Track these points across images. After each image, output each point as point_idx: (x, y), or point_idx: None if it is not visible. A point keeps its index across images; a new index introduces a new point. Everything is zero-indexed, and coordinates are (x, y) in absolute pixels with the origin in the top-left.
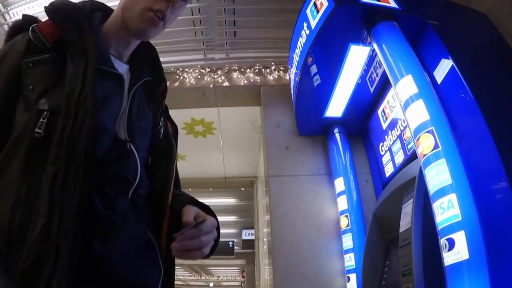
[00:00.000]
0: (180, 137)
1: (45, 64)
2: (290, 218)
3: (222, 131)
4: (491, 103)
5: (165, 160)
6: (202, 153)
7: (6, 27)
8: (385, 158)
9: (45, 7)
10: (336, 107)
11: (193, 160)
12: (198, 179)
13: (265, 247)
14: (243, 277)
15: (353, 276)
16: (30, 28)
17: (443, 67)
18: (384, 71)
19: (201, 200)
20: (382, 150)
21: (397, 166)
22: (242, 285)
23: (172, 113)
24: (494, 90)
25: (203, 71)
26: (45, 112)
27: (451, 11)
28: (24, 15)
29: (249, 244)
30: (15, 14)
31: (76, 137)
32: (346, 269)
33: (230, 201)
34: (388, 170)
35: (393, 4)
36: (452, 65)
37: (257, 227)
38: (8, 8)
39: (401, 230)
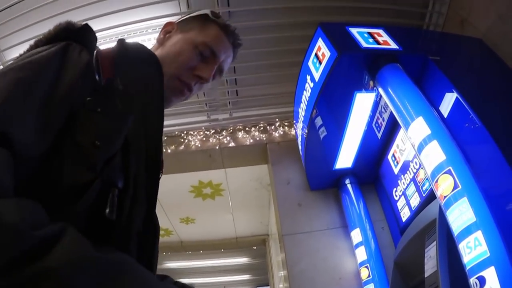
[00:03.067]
0: (189, 200)
1: (117, 120)
2: (309, 276)
3: (230, 191)
4: (500, 126)
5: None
6: (211, 215)
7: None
8: (400, 203)
9: (120, 41)
10: (345, 158)
11: (203, 223)
12: (209, 241)
13: None
14: None
15: None
16: (95, 51)
17: (448, 101)
18: (390, 115)
19: (213, 260)
20: (396, 195)
21: (413, 209)
22: None
23: (179, 176)
24: (500, 112)
25: (208, 132)
26: (116, 190)
27: (448, 42)
28: (81, 24)
29: None
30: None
31: (135, 217)
32: None
33: (242, 260)
34: (405, 214)
35: (393, 46)
36: (457, 97)
37: (272, 285)
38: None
39: (426, 274)
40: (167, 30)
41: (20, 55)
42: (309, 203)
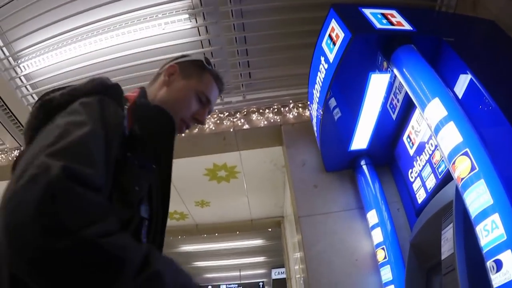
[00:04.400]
0: (203, 183)
1: (147, 172)
2: (326, 257)
3: (245, 174)
4: None
5: None
6: (226, 198)
7: (18, 81)
8: (416, 185)
9: (140, 103)
10: (361, 139)
11: (218, 206)
12: (224, 223)
13: (299, 280)
14: None
15: None
16: (126, 107)
17: (462, 83)
18: (405, 96)
19: (228, 243)
20: (411, 177)
21: (429, 191)
22: None
23: (194, 160)
24: None
25: (222, 115)
26: (147, 221)
27: (461, 23)
28: (114, 82)
29: (280, 283)
30: (26, 68)
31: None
32: None
33: (257, 242)
34: (420, 196)
35: (407, 27)
36: (471, 79)
37: (288, 267)
38: (19, 62)
39: (443, 256)
40: (170, 72)
41: (62, 96)
42: (325, 184)
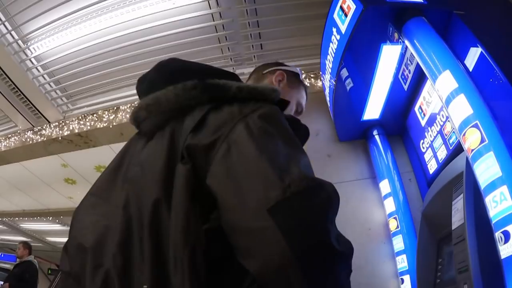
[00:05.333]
0: None
1: None
2: (339, 226)
3: None
4: None
5: None
6: None
7: (28, 63)
8: (427, 155)
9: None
10: (373, 109)
11: None
12: None
13: None
14: None
15: (406, 278)
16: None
17: (472, 56)
18: (417, 67)
19: None
20: (423, 148)
21: (440, 162)
22: None
23: None
24: None
25: None
26: None
27: None
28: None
29: None
30: (36, 49)
31: None
32: (399, 271)
33: None
34: (432, 167)
35: None
36: (481, 52)
37: None
38: (28, 44)
39: (453, 226)
40: (280, 79)
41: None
42: (338, 154)
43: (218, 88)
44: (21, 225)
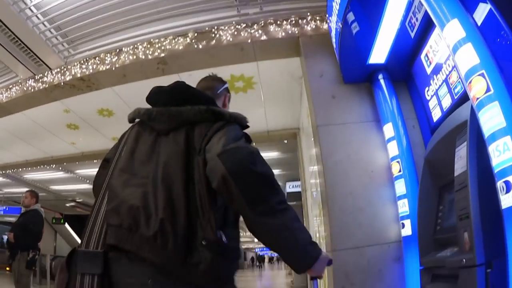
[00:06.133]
0: None
1: None
2: (342, 167)
3: (262, 85)
4: None
5: None
6: (243, 109)
7: (28, 11)
8: (432, 103)
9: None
10: (379, 54)
11: None
12: None
13: (314, 194)
14: None
15: (407, 222)
16: None
17: (480, 12)
18: (424, 15)
19: None
20: (428, 95)
21: (444, 110)
22: None
23: (211, 71)
24: None
25: (239, 27)
26: None
27: None
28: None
29: (295, 197)
30: None
31: None
32: (400, 215)
33: (273, 154)
34: (436, 114)
35: None
36: (490, 9)
37: (303, 178)
38: None
39: (456, 173)
40: (227, 101)
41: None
42: (342, 95)
43: (220, 114)
44: (25, 176)
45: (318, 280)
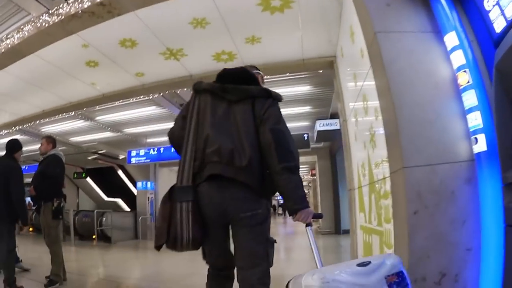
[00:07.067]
0: (256, 15)
1: None
2: (407, 75)
3: (300, 4)
4: None
5: None
6: (278, 32)
7: None
8: (493, 14)
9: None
10: None
11: (269, 43)
12: (274, 64)
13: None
14: (312, 175)
15: (481, 137)
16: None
17: None
18: None
19: (275, 89)
20: (488, 6)
21: (509, 19)
22: (310, 184)
23: None
24: None
25: None
26: None
27: None
28: None
29: (325, 136)
30: None
31: None
32: (471, 130)
33: (305, 89)
34: (499, 25)
35: None
36: None
37: (342, 107)
38: None
39: None
40: (263, 80)
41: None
42: (398, 3)
43: (270, 93)
44: (43, 130)
45: (311, 227)
